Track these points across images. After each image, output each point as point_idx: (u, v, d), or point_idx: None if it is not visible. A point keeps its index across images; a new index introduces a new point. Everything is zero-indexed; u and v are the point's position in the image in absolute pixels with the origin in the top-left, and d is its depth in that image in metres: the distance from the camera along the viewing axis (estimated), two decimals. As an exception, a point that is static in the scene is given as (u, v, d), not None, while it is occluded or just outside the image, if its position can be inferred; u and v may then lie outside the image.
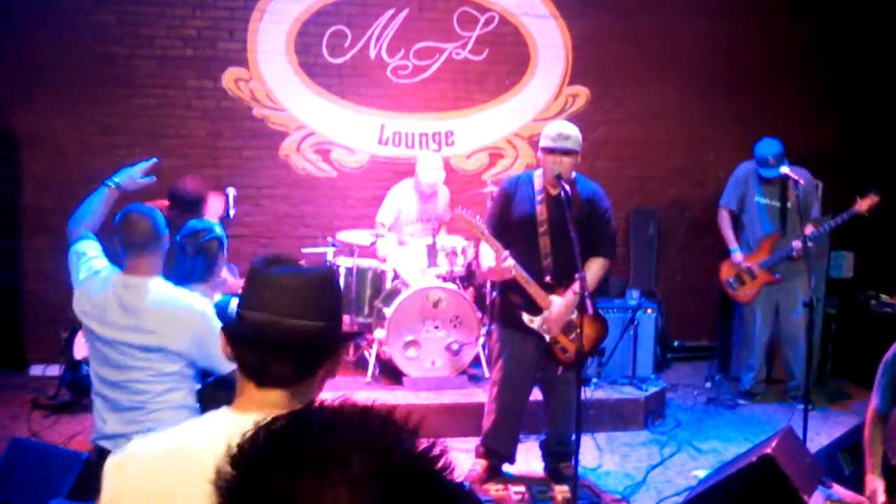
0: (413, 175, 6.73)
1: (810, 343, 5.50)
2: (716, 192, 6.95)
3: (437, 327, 6.07)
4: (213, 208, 5.55)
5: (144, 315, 3.18)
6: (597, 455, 5.55)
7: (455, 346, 6.10)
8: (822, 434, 5.73)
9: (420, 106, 7.50)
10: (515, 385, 4.92)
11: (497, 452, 5.05)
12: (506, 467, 5.14)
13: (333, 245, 6.45)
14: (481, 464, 5.03)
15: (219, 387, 3.28)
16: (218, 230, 3.71)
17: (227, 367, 3.16)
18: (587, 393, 5.86)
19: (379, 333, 6.09)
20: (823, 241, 6.83)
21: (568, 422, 4.95)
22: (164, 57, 7.07)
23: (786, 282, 6.45)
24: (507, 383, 4.90)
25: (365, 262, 6.45)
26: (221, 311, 3.33)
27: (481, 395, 5.71)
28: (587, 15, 7.67)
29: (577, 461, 4.59)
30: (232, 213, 5.44)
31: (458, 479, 1.46)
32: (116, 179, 3.72)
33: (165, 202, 5.49)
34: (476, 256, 5.56)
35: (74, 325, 5.80)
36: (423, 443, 0.93)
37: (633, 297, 6.82)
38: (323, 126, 7.37)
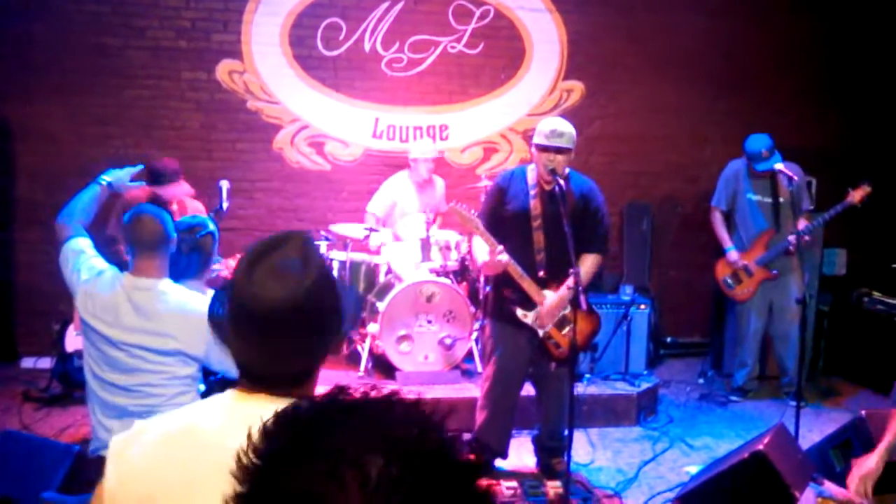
0: (408, 168, 6.75)
1: (803, 340, 5.51)
2: (710, 189, 6.95)
3: (430, 322, 6.07)
4: (184, 189, 5.65)
5: (161, 319, 3.14)
6: (589, 451, 5.56)
7: (448, 341, 6.09)
8: (814, 431, 5.75)
9: (415, 99, 7.49)
10: (508, 380, 4.91)
11: (489, 448, 5.05)
12: (498, 462, 5.14)
13: (327, 238, 6.44)
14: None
15: (226, 386, 3.26)
16: (211, 226, 3.69)
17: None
18: (580, 388, 5.86)
19: (372, 328, 6.07)
20: (817, 237, 6.84)
21: (560, 417, 4.95)
22: (158, 48, 7.04)
23: (780, 278, 6.46)
24: (499, 379, 4.90)
25: (358, 256, 6.44)
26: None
27: (474, 389, 5.70)
28: (583, 9, 7.66)
29: (569, 457, 4.58)
30: (225, 205, 5.44)
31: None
32: (108, 178, 3.69)
33: (145, 189, 5.52)
34: (470, 251, 5.55)
35: (66, 318, 5.79)
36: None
37: (627, 292, 6.82)
38: (317, 119, 7.35)
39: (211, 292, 3.62)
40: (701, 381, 7.16)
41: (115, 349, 3.19)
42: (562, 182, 4.58)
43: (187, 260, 3.58)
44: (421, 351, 6.08)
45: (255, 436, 0.90)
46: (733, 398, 6.72)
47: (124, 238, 3.29)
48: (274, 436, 0.90)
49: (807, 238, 6.06)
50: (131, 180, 3.84)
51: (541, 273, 4.71)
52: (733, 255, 6.57)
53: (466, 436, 5.09)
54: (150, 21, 7.01)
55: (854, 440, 4.46)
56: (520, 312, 4.74)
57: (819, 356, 7.33)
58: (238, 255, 4.86)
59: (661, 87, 7.80)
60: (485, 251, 4.72)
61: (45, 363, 6.36)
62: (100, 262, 3.38)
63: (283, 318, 1.52)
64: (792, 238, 6.18)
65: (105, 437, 3.24)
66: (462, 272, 6.40)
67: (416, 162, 6.65)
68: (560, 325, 4.77)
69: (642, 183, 7.96)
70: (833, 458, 4.55)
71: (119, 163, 3.95)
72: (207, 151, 7.17)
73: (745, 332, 6.69)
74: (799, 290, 5.88)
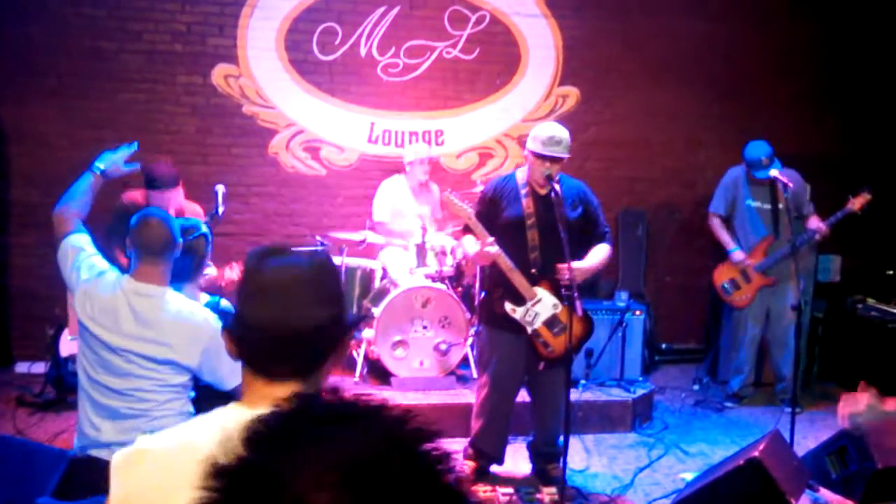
0: (403, 173, 6.75)
1: (797, 346, 5.52)
2: (706, 194, 6.96)
3: (425, 327, 6.06)
4: (181, 195, 5.61)
5: (161, 328, 3.13)
6: (584, 457, 5.56)
7: (443, 347, 6.09)
8: (809, 437, 5.75)
9: (410, 104, 7.48)
10: (504, 387, 4.91)
11: (486, 454, 5.05)
12: (493, 468, 5.14)
13: (322, 244, 6.43)
14: (469, 465, 5.03)
15: (214, 394, 3.24)
16: (204, 228, 3.67)
17: (228, 383, 3.14)
18: (575, 395, 5.86)
19: (367, 333, 6.07)
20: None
21: (556, 423, 4.95)
22: (153, 52, 7.03)
23: (778, 285, 6.46)
24: (496, 385, 4.90)
25: (353, 261, 6.43)
26: (219, 312, 3.30)
27: (469, 395, 5.70)
28: (578, 15, 7.67)
29: (564, 463, 4.59)
30: (221, 210, 5.42)
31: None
32: (101, 166, 3.64)
33: (143, 191, 5.52)
34: (461, 250, 5.59)
35: (61, 323, 5.77)
36: (430, 467, 0.86)
37: (622, 298, 6.82)
38: (312, 124, 7.34)
39: (205, 297, 3.61)
40: (696, 387, 7.17)
41: (111, 353, 3.18)
42: (557, 188, 4.60)
43: (181, 263, 3.56)
44: (416, 356, 6.07)
45: (230, 441, 0.88)
46: (728, 405, 6.73)
47: (129, 241, 3.25)
48: (221, 468, 0.87)
49: (817, 237, 6.30)
50: (126, 163, 3.81)
51: (533, 270, 4.72)
52: (739, 254, 6.54)
53: (454, 447, 5.09)
54: (146, 25, 6.99)
55: (849, 447, 4.46)
56: (508, 307, 4.73)
57: (814, 362, 7.34)
58: (234, 263, 4.87)
59: (657, 92, 7.81)
60: (474, 243, 4.73)
61: (40, 368, 6.33)
62: (100, 262, 3.35)
63: (289, 289, 1.62)
64: (819, 226, 6.20)
65: (93, 434, 3.24)
66: (457, 278, 6.39)
67: (412, 165, 6.64)
68: (550, 324, 4.76)
69: (638, 189, 7.96)
70: (828, 465, 4.55)
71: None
72: (203, 156, 7.16)
73: (741, 339, 6.68)
74: (795, 297, 5.89)
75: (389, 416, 0.89)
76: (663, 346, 7.92)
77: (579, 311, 4.53)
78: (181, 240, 3.34)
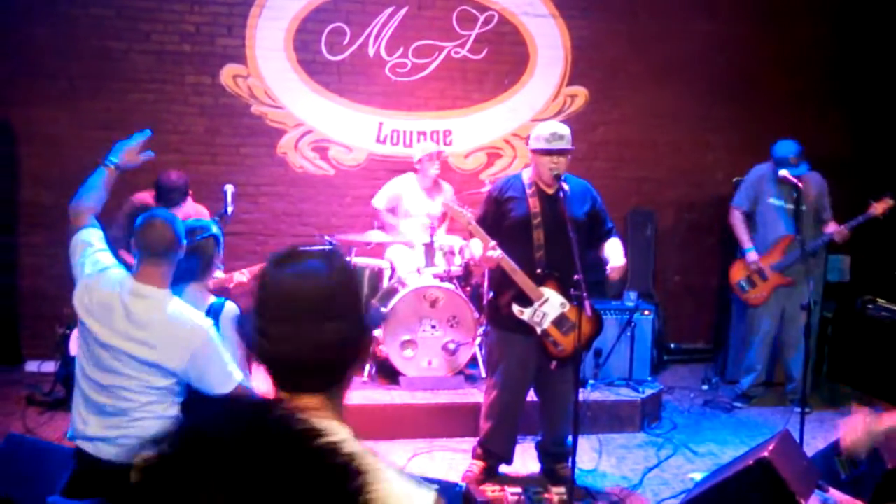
0: (414, 171, 6.77)
1: (807, 346, 5.50)
2: (714, 194, 6.95)
3: (434, 327, 6.06)
4: (192, 207, 5.66)
5: (150, 330, 3.13)
6: (593, 457, 5.55)
7: (452, 346, 6.08)
8: (818, 438, 5.72)
9: (418, 104, 7.48)
10: (514, 388, 4.91)
11: (495, 454, 5.05)
12: (502, 468, 5.14)
13: (330, 243, 6.43)
14: (478, 465, 5.03)
15: (203, 399, 3.24)
16: (214, 229, 3.66)
17: (217, 390, 3.14)
18: (584, 394, 5.85)
19: (376, 332, 6.07)
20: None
21: (564, 423, 4.94)
22: (162, 52, 7.04)
23: (794, 286, 6.43)
24: (505, 386, 4.89)
25: (362, 261, 6.43)
26: (241, 327, 3.30)
27: (478, 395, 5.70)
28: (586, 15, 7.66)
29: (573, 463, 4.58)
30: (230, 210, 5.44)
31: None
32: (114, 159, 3.63)
33: (152, 192, 5.55)
34: (468, 252, 5.60)
35: (70, 322, 5.79)
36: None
37: (631, 298, 6.81)
38: (321, 124, 7.35)
39: (212, 298, 3.61)
40: (705, 387, 7.15)
41: (101, 348, 3.19)
42: (566, 187, 4.60)
43: (186, 263, 3.56)
44: (424, 356, 6.07)
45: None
46: (737, 404, 6.71)
47: (133, 241, 3.25)
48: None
49: (836, 239, 6.30)
50: (140, 152, 3.80)
51: (538, 270, 4.71)
52: (753, 255, 6.53)
53: (462, 447, 5.08)
54: (155, 25, 7.01)
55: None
56: (516, 309, 4.73)
57: (823, 363, 7.32)
58: (243, 269, 4.88)
59: (665, 92, 7.80)
60: (479, 247, 4.74)
61: (50, 367, 6.35)
62: (106, 258, 3.36)
63: (312, 303, 1.56)
64: (838, 229, 6.18)
65: (81, 427, 3.26)
66: (466, 277, 6.39)
67: (422, 162, 6.66)
68: (558, 323, 4.76)
69: (646, 189, 7.94)
70: (838, 466, 4.53)
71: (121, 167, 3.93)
72: (211, 156, 7.17)
73: (754, 337, 6.66)
74: (805, 297, 5.86)
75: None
76: (672, 345, 7.91)
77: (589, 312, 4.53)
78: (186, 241, 3.34)
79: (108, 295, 3.20)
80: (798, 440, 4.90)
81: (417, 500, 1.49)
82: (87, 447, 3.20)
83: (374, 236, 6.45)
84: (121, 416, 3.17)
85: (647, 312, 6.65)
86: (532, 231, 4.72)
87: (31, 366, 6.74)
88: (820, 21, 7.98)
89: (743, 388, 6.74)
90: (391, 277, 6.40)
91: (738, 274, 6.65)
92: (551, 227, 4.67)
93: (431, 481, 1.58)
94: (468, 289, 6.40)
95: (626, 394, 6.22)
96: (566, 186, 4.62)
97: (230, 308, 3.52)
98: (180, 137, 7.08)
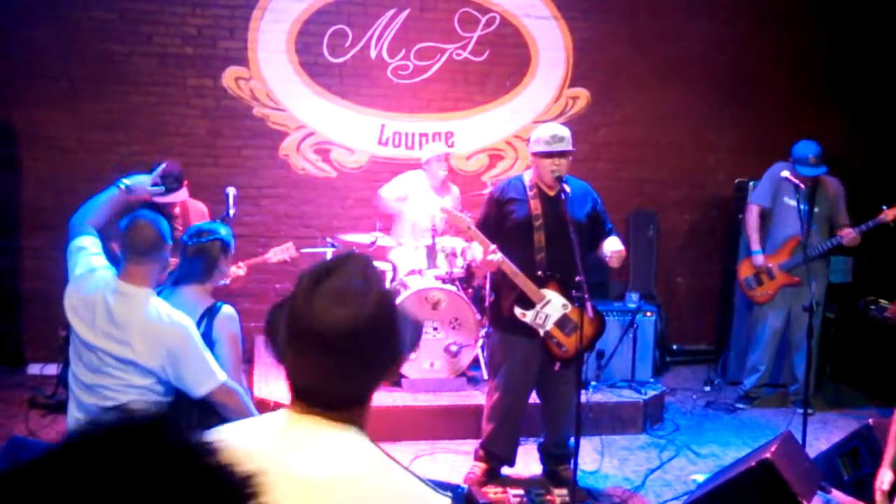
0: (423, 169, 6.79)
1: (809, 347, 5.49)
2: (716, 195, 6.94)
3: (436, 329, 6.06)
4: (185, 194, 5.61)
5: (127, 328, 3.16)
6: (595, 458, 5.54)
7: (454, 348, 6.08)
8: (821, 439, 5.73)
9: (420, 106, 7.49)
10: (516, 390, 4.91)
11: (497, 456, 5.05)
12: (504, 470, 5.13)
13: (332, 245, 6.44)
14: (480, 467, 5.02)
15: (193, 403, 3.24)
16: (223, 232, 3.66)
17: (196, 390, 3.15)
18: (586, 396, 5.85)
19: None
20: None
21: (567, 425, 4.94)
22: (164, 55, 7.05)
23: (802, 286, 6.41)
24: (507, 388, 4.89)
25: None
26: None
27: (480, 397, 5.70)
28: (588, 17, 7.66)
29: (575, 464, 4.58)
30: (232, 212, 5.44)
31: None
32: (128, 182, 3.67)
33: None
34: (467, 253, 5.60)
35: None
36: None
37: (633, 300, 6.81)
38: (323, 126, 7.35)
39: (211, 301, 3.60)
40: (707, 388, 7.15)
41: (85, 348, 3.24)
42: (567, 189, 4.61)
43: (189, 264, 3.56)
44: (427, 358, 6.07)
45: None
46: (740, 406, 6.70)
47: (119, 242, 3.31)
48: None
49: (845, 242, 6.26)
50: (153, 185, 3.83)
51: (539, 272, 4.71)
52: (759, 258, 6.54)
53: (465, 448, 5.08)
54: (157, 28, 7.02)
55: (861, 448, 4.45)
56: (518, 311, 4.73)
57: (826, 364, 7.31)
58: (240, 263, 4.87)
59: (667, 93, 7.80)
60: (480, 251, 4.75)
61: (52, 369, 6.36)
62: (97, 261, 3.38)
63: (344, 339, 1.48)
64: (849, 232, 6.19)
65: (74, 427, 3.25)
66: (468, 279, 6.39)
67: (429, 163, 6.66)
68: (561, 324, 4.76)
69: (648, 190, 7.94)
70: (841, 467, 4.54)
71: (124, 169, 3.95)
72: (213, 158, 7.18)
73: (759, 337, 6.66)
74: (816, 297, 5.83)
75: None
76: (674, 347, 7.90)
77: (591, 313, 4.53)
78: (191, 242, 3.34)
79: (92, 295, 3.23)
80: (801, 441, 4.89)
81: None
82: None
83: (379, 239, 6.44)
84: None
85: (649, 314, 6.64)
86: (533, 233, 4.72)
87: (34, 368, 6.74)
88: (821, 21, 7.98)
89: (746, 388, 6.74)
90: (393, 279, 6.39)
91: (746, 271, 6.66)
92: (553, 228, 4.67)
93: (435, 484, 1.56)
94: (470, 290, 6.40)
95: (628, 395, 6.22)
96: (567, 188, 4.62)
97: (226, 311, 3.52)
98: (182, 140, 7.09)
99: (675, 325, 7.92)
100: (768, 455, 3.92)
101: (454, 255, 6.28)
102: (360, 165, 7.44)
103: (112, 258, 3.48)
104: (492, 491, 4.75)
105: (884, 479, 3.85)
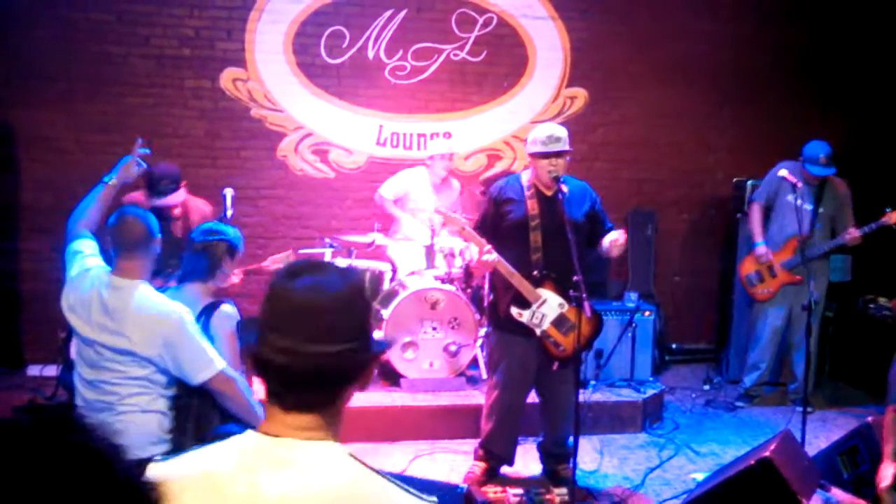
0: (424, 165, 6.81)
1: (808, 346, 5.50)
2: (715, 195, 6.94)
3: (435, 329, 6.06)
4: (183, 195, 5.61)
5: (122, 318, 3.19)
6: (595, 458, 5.55)
7: (453, 348, 6.08)
8: (820, 437, 5.73)
9: (418, 107, 7.49)
10: (515, 390, 4.91)
11: (496, 455, 5.05)
12: (504, 469, 5.14)
13: (331, 246, 6.44)
14: (480, 466, 5.02)
15: (192, 395, 3.26)
16: (232, 234, 3.69)
17: (193, 378, 3.16)
18: (585, 395, 5.85)
19: (377, 335, 6.07)
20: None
21: (566, 424, 4.94)
22: (162, 56, 7.05)
23: (803, 286, 6.41)
24: (506, 388, 4.89)
25: (362, 263, 6.43)
26: (241, 333, 3.31)
27: (479, 396, 5.70)
28: (585, 17, 7.66)
29: (575, 463, 4.58)
30: (230, 213, 5.44)
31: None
32: (111, 176, 3.77)
33: (144, 192, 5.52)
34: (466, 252, 5.60)
35: (72, 326, 5.78)
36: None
37: (632, 299, 6.81)
38: (321, 127, 7.35)
39: (211, 300, 3.61)
40: (707, 387, 7.15)
41: (84, 344, 3.29)
42: (565, 189, 4.60)
43: (193, 262, 3.60)
44: (426, 358, 6.07)
45: None
46: (739, 404, 6.70)
47: (108, 239, 3.35)
48: None
49: (847, 242, 6.26)
50: (136, 166, 3.86)
51: (535, 272, 4.71)
52: (762, 249, 6.54)
53: (464, 448, 5.08)
54: (154, 29, 7.02)
55: (861, 446, 4.45)
56: (514, 311, 4.73)
57: (825, 362, 7.31)
58: (241, 269, 4.88)
59: (665, 93, 7.80)
60: (475, 252, 4.75)
61: (51, 371, 6.34)
62: (93, 262, 3.43)
63: (321, 314, 1.52)
64: (853, 231, 6.18)
65: None
66: (467, 279, 6.39)
67: (433, 159, 6.67)
68: (558, 324, 4.76)
69: (646, 189, 7.95)
70: (840, 465, 4.54)
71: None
72: (211, 159, 7.18)
73: (759, 335, 6.66)
74: (817, 295, 5.83)
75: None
76: (673, 346, 7.90)
77: (588, 312, 4.53)
78: (159, 235, 3.38)
79: (87, 293, 3.28)
80: (800, 440, 4.90)
81: None
82: None
83: (377, 239, 6.44)
84: (108, 412, 3.24)
85: (647, 313, 6.64)
86: (529, 233, 4.72)
87: (33, 370, 6.73)
88: (820, 21, 7.98)
89: (746, 386, 6.74)
90: (392, 279, 6.40)
91: (748, 267, 6.66)
92: (550, 228, 4.67)
93: (433, 484, 1.56)
94: (469, 290, 6.40)
95: (627, 394, 6.22)
96: (565, 188, 4.62)
97: (225, 309, 3.54)
98: (180, 141, 7.08)
99: (673, 324, 7.93)
100: (768, 453, 3.92)
101: (453, 255, 6.28)
102: (359, 166, 7.44)
103: (109, 258, 3.50)
104: (491, 490, 4.74)
105: (886, 475, 3.85)
